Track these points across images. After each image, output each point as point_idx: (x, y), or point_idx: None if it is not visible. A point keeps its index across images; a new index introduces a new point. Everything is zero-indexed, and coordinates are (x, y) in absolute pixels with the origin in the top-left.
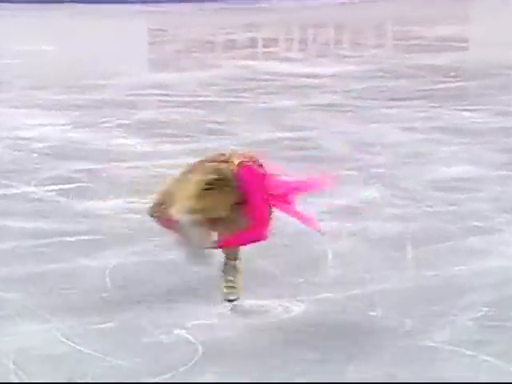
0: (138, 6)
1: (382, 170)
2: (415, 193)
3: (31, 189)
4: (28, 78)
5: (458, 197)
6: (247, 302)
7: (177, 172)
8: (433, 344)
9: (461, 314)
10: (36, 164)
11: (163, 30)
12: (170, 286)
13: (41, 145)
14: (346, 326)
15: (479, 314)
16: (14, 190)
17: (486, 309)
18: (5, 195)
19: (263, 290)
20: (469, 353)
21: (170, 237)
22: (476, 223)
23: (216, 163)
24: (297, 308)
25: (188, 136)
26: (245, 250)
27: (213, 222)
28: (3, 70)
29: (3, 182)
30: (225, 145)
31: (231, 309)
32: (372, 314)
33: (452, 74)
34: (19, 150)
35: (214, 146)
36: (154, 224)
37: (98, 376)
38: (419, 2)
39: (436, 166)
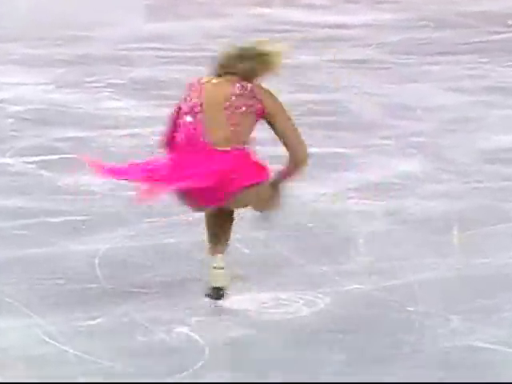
0: None
1: (423, 139)
2: (462, 165)
3: (7, 160)
4: (1, 29)
5: None
6: (261, 295)
7: None
8: (483, 345)
9: None
10: (13, 131)
11: None
12: (168, 274)
13: (18, 108)
14: (380, 323)
15: None
16: None
17: None
18: None
19: (280, 281)
20: None
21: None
22: None
23: None
24: (320, 302)
25: None
26: (259, 234)
27: None
28: None
29: None
30: None
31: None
32: (411, 309)
33: (509, 22)
34: None
35: None
36: (150, 203)
37: (87, 381)
38: None
39: (487, 133)
